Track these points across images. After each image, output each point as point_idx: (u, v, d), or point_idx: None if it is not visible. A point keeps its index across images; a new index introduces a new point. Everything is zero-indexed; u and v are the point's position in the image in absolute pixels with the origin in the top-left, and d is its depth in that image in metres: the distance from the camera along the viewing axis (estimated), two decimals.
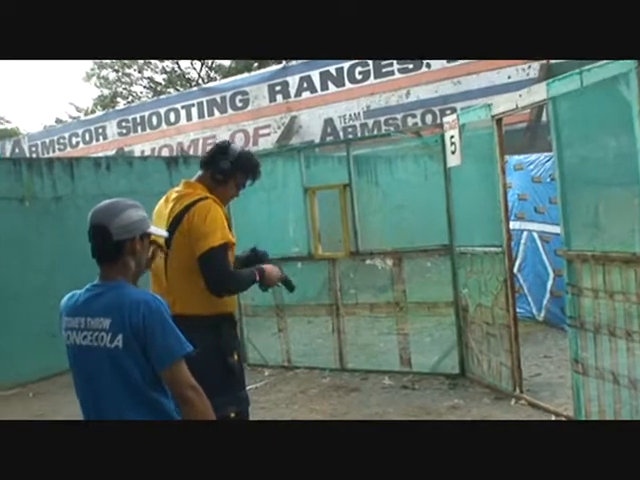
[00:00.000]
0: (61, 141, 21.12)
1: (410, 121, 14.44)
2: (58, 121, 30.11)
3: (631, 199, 3.88)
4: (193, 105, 18.22)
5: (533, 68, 12.81)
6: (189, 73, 29.26)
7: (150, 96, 27.69)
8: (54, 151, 20.91)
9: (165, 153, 18.10)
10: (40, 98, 64.14)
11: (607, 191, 4.27)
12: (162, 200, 3.39)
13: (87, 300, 2.28)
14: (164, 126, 18.78)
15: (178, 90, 25.82)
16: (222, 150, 3.38)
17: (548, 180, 7.07)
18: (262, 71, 18.40)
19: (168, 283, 3.19)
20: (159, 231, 2.62)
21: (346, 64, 15.29)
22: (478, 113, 5.45)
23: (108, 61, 27.50)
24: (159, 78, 29.80)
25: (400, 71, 14.67)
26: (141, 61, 27.64)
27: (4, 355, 7.03)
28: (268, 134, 16.73)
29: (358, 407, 5.57)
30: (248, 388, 3.58)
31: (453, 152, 5.70)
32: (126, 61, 27.48)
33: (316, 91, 15.99)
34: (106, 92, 29.93)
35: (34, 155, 20.83)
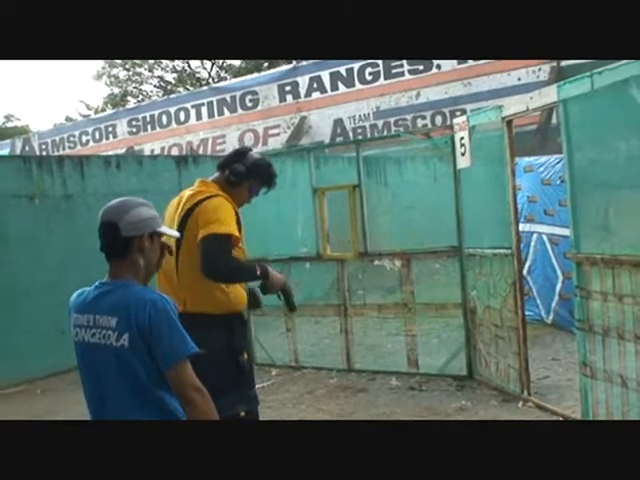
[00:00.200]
0: (71, 139, 21.18)
1: (420, 122, 14.40)
2: (68, 119, 30.28)
3: None
4: (203, 104, 18.23)
5: (543, 70, 12.76)
6: (199, 72, 29.33)
7: (160, 95, 27.75)
8: (64, 149, 20.96)
9: (175, 152, 18.12)
10: (50, 96, 64.55)
11: (617, 194, 4.26)
12: (175, 200, 3.39)
13: (96, 297, 2.28)
14: (174, 125, 18.81)
15: (188, 89, 25.83)
16: (239, 154, 3.45)
17: (558, 182, 7.05)
18: (272, 71, 18.42)
19: (179, 281, 3.19)
20: (170, 231, 2.61)
21: (356, 65, 15.27)
22: (488, 115, 5.44)
23: (119, 60, 27.59)
24: (169, 77, 29.91)
25: (410, 72, 14.64)
26: (152, 60, 27.71)
27: (13, 352, 7.06)
28: (278, 134, 16.74)
29: (365, 407, 5.56)
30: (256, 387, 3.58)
31: (463, 154, 5.69)
32: (137, 60, 27.55)
33: (326, 91, 15.98)
34: (116, 91, 30.02)
35: (44, 153, 20.91)
